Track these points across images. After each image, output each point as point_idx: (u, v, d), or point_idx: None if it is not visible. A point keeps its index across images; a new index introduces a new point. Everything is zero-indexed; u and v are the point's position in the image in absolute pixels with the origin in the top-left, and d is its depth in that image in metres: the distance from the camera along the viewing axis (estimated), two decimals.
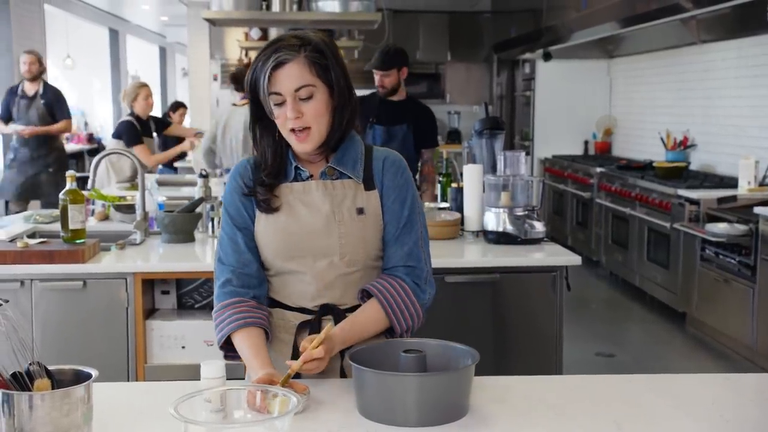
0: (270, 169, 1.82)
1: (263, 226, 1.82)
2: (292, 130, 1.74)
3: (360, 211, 1.81)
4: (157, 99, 15.38)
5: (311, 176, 1.83)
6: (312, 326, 1.82)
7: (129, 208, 3.86)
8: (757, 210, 4.58)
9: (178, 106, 8.91)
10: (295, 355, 1.79)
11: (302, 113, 1.72)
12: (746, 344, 4.74)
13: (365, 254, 1.82)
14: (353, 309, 1.84)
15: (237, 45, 9.22)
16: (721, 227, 4.84)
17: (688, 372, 1.94)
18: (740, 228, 4.71)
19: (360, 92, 4.72)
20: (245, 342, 1.76)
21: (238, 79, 5.29)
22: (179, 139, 6.92)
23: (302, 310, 1.84)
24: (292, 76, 1.71)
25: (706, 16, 5.56)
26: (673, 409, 1.64)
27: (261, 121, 1.81)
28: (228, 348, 1.83)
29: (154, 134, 6.41)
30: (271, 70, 1.70)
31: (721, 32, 5.92)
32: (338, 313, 1.83)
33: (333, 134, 1.79)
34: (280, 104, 1.73)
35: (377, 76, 4.49)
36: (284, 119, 1.74)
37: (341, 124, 1.79)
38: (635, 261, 6.37)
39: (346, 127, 1.81)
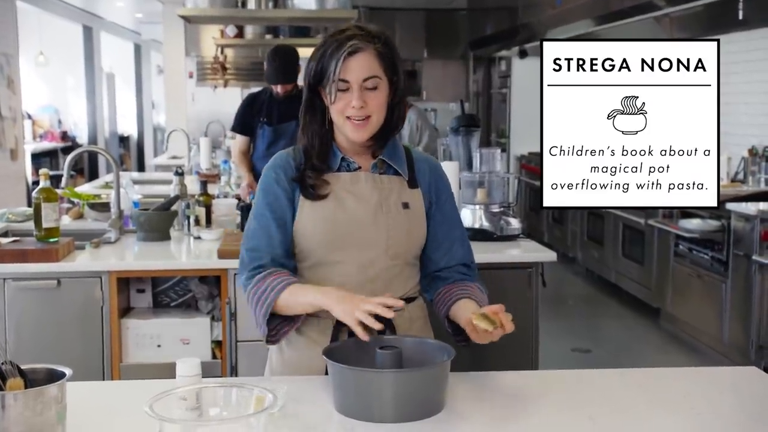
0: (319, 155, 1.82)
1: (308, 214, 1.80)
2: (349, 118, 1.76)
3: (405, 205, 1.84)
4: (132, 96, 15.23)
5: (359, 168, 1.85)
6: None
7: (104, 207, 3.83)
8: (730, 206, 4.63)
9: None
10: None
11: (366, 103, 1.75)
12: (718, 338, 4.79)
13: (408, 248, 1.85)
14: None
15: (212, 42, 9.16)
16: (694, 223, 4.90)
17: (662, 366, 1.96)
18: (713, 224, 4.76)
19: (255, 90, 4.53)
20: (299, 289, 1.75)
21: None
22: None
23: None
24: (363, 66, 1.74)
25: (680, 14, 5.61)
26: (646, 403, 1.66)
27: (312, 108, 1.82)
28: (270, 326, 1.78)
29: None
30: (345, 57, 1.72)
31: (694, 30, 5.97)
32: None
33: (386, 128, 1.82)
34: (344, 91, 1.74)
35: (280, 85, 4.28)
36: (345, 106, 1.75)
37: (395, 120, 1.84)
38: (611, 257, 6.42)
39: (397, 123, 1.85)
